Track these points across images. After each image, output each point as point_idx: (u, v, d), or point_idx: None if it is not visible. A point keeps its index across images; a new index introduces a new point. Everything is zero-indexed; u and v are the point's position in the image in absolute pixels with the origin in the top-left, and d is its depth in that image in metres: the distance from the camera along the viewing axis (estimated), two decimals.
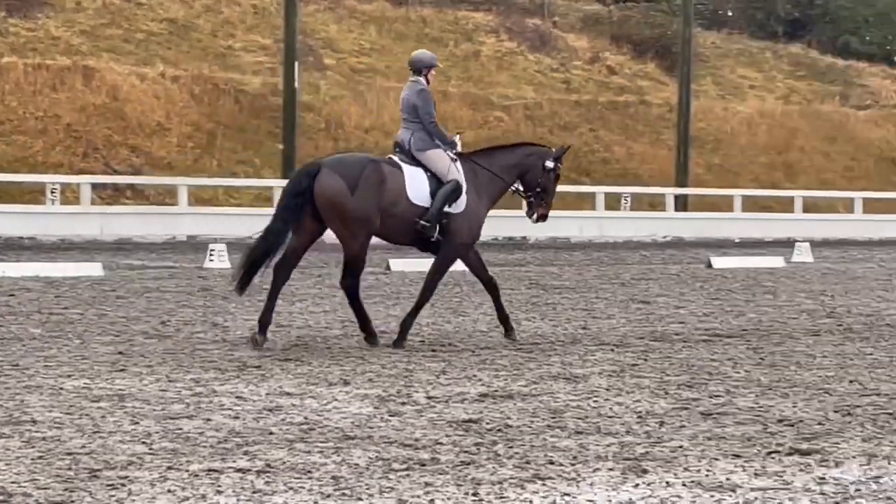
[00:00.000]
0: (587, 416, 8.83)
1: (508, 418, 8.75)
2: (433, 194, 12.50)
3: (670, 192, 41.48)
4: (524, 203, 13.44)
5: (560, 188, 14.31)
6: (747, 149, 49.68)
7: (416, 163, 12.67)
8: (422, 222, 12.40)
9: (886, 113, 55.32)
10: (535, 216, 13.36)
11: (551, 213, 13.58)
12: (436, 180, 12.59)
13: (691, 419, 8.81)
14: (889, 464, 7.47)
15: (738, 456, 7.62)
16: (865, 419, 8.90)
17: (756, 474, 7.16)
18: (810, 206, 42.68)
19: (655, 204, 42.36)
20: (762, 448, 7.85)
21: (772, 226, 40.00)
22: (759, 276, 23.29)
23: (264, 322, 12.26)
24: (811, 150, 47.17)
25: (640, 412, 9.04)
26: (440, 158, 12.69)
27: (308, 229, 12.31)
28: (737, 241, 36.28)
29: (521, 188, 13.34)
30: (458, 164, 12.79)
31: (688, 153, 42.76)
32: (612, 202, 40.06)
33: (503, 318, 13.19)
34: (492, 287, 13.03)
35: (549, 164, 13.31)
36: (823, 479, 7.08)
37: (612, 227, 37.42)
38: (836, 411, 9.19)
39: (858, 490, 6.84)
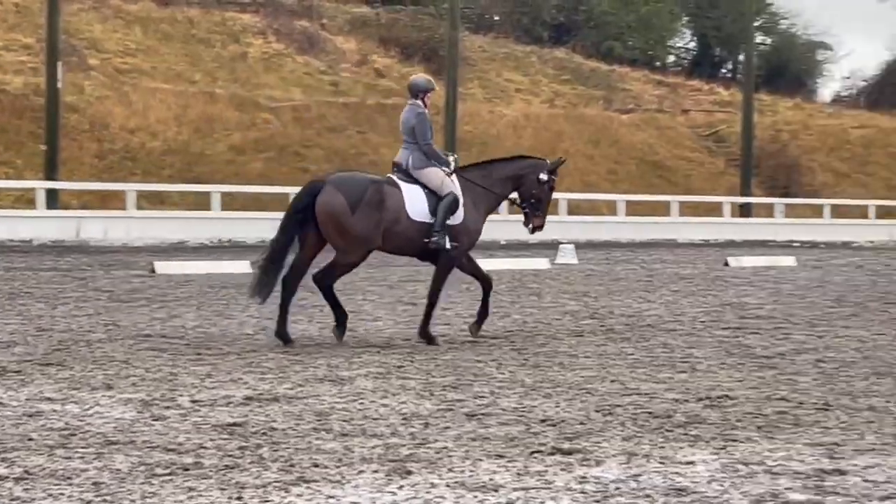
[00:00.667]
0: (353, 419, 8.82)
1: (273, 421, 8.68)
2: (433, 210, 13.32)
3: None
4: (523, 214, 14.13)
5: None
6: (513, 151, 50.22)
7: (414, 181, 13.41)
8: (432, 239, 13.25)
9: (648, 117, 56.77)
10: (531, 227, 14.14)
11: None
12: (434, 196, 13.36)
13: (456, 420, 8.88)
14: (648, 462, 7.64)
15: (501, 456, 7.70)
16: (626, 418, 9.09)
17: (519, 474, 7.24)
18: (574, 208, 43.41)
19: None
20: (525, 448, 7.95)
21: None
22: (524, 277, 23.65)
23: (283, 335, 12.98)
24: (576, 153, 48.02)
25: (405, 414, 9.07)
26: (436, 175, 13.46)
27: (311, 243, 13.12)
28: (503, 243, 36.78)
29: (516, 199, 14.16)
30: (455, 179, 13.59)
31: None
32: None
33: (482, 314, 13.97)
34: (487, 284, 13.90)
35: (543, 176, 14.05)
36: (584, 478, 7.20)
37: None
38: (597, 411, 9.36)
39: (618, 488, 6.97)
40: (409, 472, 7.17)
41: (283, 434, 8.24)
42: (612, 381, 10.84)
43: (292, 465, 7.30)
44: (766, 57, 68.70)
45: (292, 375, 10.81)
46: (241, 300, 16.66)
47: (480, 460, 7.56)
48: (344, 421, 8.73)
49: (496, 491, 6.81)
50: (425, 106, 13.63)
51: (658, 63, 69.50)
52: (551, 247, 32.11)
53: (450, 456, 7.66)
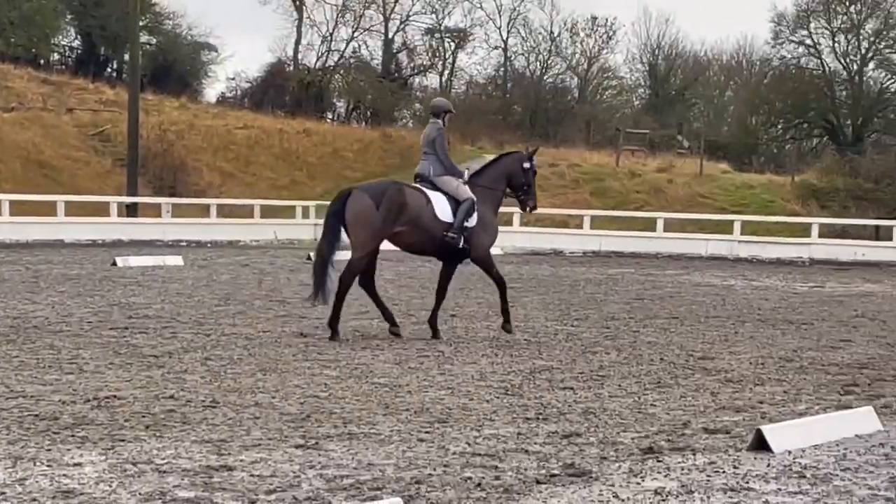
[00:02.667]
0: None
1: None
2: (454, 212, 15.13)
3: None
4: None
5: None
6: None
7: (436, 188, 15.25)
8: (449, 234, 15.04)
9: (33, 115, 55.34)
10: (528, 208, 16.15)
11: None
12: (454, 201, 15.22)
13: None
14: (35, 465, 7.48)
15: None
16: (11, 421, 8.85)
17: None
18: None
19: None
20: None
21: None
22: None
23: (334, 328, 14.76)
24: None
25: None
26: (452, 182, 15.37)
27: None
28: None
29: (510, 190, 15.93)
30: (467, 186, 15.41)
31: None
32: None
33: (504, 311, 15.60)
34: (500, 283, 15.66)
35: (526, 164, 15.97)
36: None
37: None
38: None
39: (3, 493, 6.78)
40: None
41: None
42: None
43: None
44: (152, 57, 68.90)
45: None
46: None
47: None
48: None
49: None
50: (444, 124, 15.70)
51: (42, 61, 68.00)
52: None
53: None
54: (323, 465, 7.82)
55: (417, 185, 15.36)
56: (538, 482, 7.43)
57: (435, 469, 7.73)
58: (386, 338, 14.87)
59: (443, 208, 15.15)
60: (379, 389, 10.89)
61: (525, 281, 26.13)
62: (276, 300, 19.81)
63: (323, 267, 14.81)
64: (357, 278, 15.07)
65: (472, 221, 15.28)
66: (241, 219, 45.09)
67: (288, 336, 14.90)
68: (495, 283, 15.74)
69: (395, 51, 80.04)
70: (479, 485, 7.34)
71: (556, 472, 7.70)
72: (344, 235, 14.94)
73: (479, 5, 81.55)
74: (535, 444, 8.59)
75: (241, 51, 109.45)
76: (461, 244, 15.17)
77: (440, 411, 9.84)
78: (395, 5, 78.71)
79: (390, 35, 79.12)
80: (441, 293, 15.58)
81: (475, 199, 15.35)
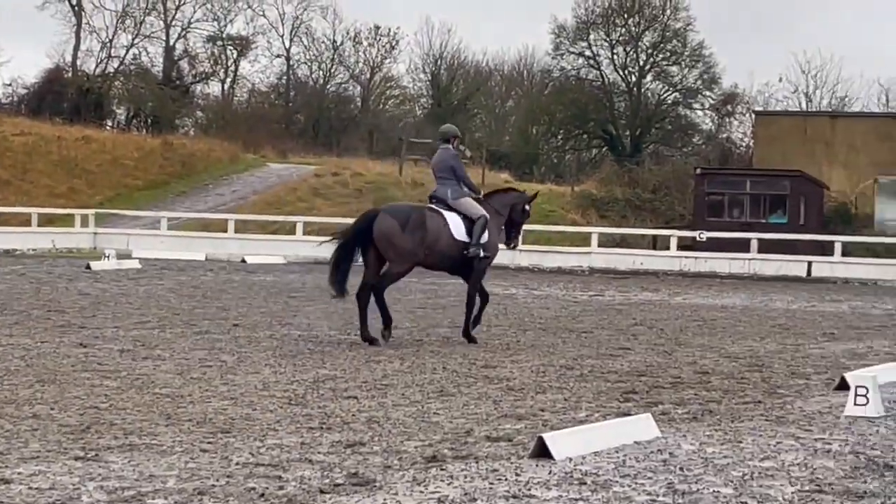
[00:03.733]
0: None
1: None
2: (469, 232, 16.52)
3: None
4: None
5: None
6: None
7: (451, 209, 16.61)
8: (471, 250, 16.47)
9: None
10: (512, 245, 17.94)
11: None
12: (469, 221, 16.58)
13: None
14: None
15: None
16: None
17: None
18: None
19: None
20: None
21: None
22: None
23: (366, 337, 15.84)
24: None
25: None
26: (471, 203, 16.86)
27: (373, 262, 16.20)
28: None
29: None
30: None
31: None
32: None
33: (475, 319, 16.80)
34: (484, 296, 17.07)
35: (527, 206, 17.68)
36: None
37: None
38: None
39: None
40: None
41: None
42: None
43: None
44: None
45: None
46: None
47: None
48: None
49: None
50: (454, 148, 17.22)
51: None
52: None
53: None
54: (103, 476, 7.67)
55: (434, 207, 16.72)
56: (322, 492, 7.41)
57: (218, 480, 7.65)
58: (167, 348, 14.66)
59: (458, 228, 16.54)
60: (160, 400, 10.73)
61: (308, 290, 26.07)
62: (54, 310, 19.37)
63: (337, 268, 16.14)
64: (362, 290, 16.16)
65: (485, 238, 16.70)
66: (17, 227, 43.93)
67: (67, 346, 14.57)
68: (481, 295, 16.92)
69: (176, 58, 79.08)
70: (262, 495, 7.29)
71: (339, 481, 7.69)
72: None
73: (261, 13, 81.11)
74: (319, 453, 8.57)
75: (19, 56, 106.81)
76: (482, 253, 16.61)
77: (223, 422, 9.74)
78: (176, 12, 77.79)
79: (171, 42, 78.14)
80: (470, 305, 16.70)
81: (488, 216, 16.79)
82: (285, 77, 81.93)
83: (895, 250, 43.28)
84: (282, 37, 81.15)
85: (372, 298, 15.98)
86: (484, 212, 16.76)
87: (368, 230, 16.07)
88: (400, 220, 16.07)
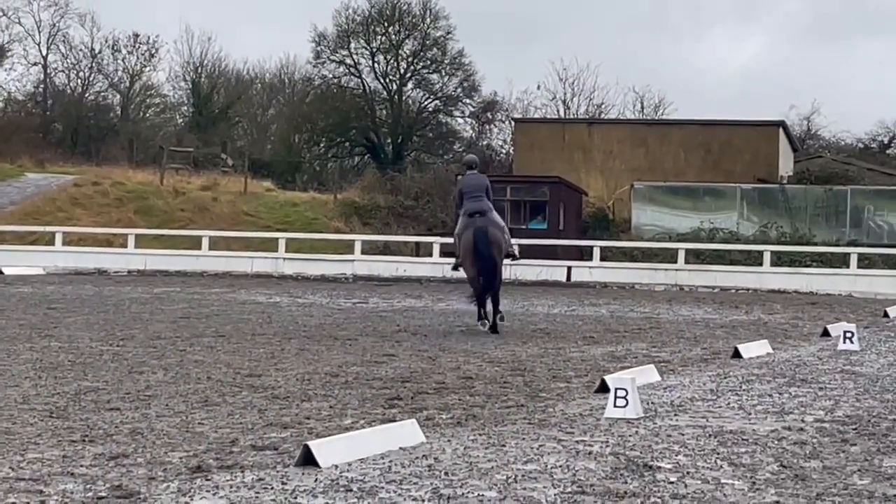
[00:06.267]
0: None
1: None
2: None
3: None
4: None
5: None
6: None
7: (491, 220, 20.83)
8: (513, 251, 21.75)
9: None
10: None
11: None
12: (501, 228, 20.99)
13: None
14: None
15: None
16: None
17: None
18: None
19: None
20: None
21: None
22: None
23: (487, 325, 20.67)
24: None
25: None
26: (497, 216, 21.11)
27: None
28: None
29: None
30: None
31: None
32: None
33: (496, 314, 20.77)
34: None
35: None
36: None
37: None
38: None
39: None
40: None
41: None
42: None
43: None
44: None
45: None
46: None
47: None
48: None
49: None
50: (480, 172, 21.70)
51: None
52: None
53: None
54: None
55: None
56: None
57: None
58: None
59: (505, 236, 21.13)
60: None
61: (69, 301, 25.53)
62: None
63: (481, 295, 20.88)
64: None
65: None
66: None
67: None
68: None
69: None
70: None
71: (103, 494, 7.57)
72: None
73: (17, 21, 79.13)
74: (82, 466, 8.41)
75: None
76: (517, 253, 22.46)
77: None
78: None
79: None
80: (496, 302, 20.73)
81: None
82: (42, 85, 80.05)
83: (651, 255, 44.63)
84: (38, 44, 79.32)
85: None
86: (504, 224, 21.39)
87: (489, 243, 20.33)
88: (500, 229, 20.71)
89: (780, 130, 58.91)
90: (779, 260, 43.37)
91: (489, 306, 20.77)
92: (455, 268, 21.88)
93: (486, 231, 20.33)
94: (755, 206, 51.42)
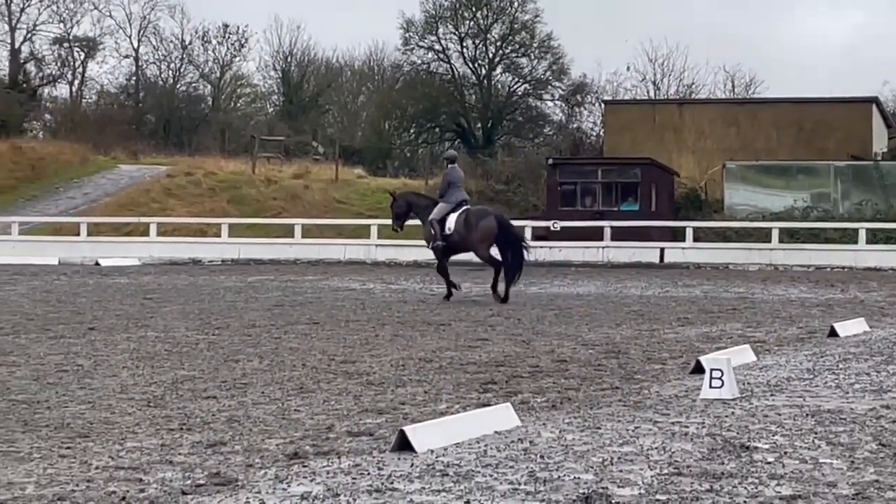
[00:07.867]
0: None
1: None
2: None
3: None
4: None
5: None
6: None
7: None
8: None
9: None
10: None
11: None
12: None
13: None
14: None
15: None
16: None
17: None
18: None
19: None
20: None
21: None
22: None
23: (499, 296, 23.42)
24: None
25: None
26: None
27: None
28: None
29: None
30: None
31: None
32: None
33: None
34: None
35: None
36: None
37: None
38: None
39: None
40: None
41: None
42: None
43: None
44: None
45: None
46: None
47: None
48: None
49: None
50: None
51: None
52: None
53: None
54: None
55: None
56: (184, 493, 7.36)
57: (77, 485, 7.55)
58: (22, 354, 14.41)
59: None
60: (17, 406, 10.55)
61: (164, 291, 25.82)
62: None
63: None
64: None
65: None
66: None
67: None
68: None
69: (22, 61, 77.64)
70: (123, 498, 7.22)
71: (201, 481, 7.64)
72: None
73: (108, 14, 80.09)
74: (180, 454, 8.51)
75: None
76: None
77: (81, 426, 9.62)
78: (21, 14, 76.40)
79: (17, 45, 76.69)
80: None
81: None
82: (134, 77, 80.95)
83: (744, 234, 44.21)
84: (129, 37, 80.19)
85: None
86: None
87: (512, 226, 23.82)
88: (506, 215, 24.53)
89: (874, 107, 58.10)
90: (874, 237, 42.82)
91: (501, 288, 23.57)
92: (433, 248, 24.20)
93: (503, 216, 24.11)
94: (849, 184, 50.77)
